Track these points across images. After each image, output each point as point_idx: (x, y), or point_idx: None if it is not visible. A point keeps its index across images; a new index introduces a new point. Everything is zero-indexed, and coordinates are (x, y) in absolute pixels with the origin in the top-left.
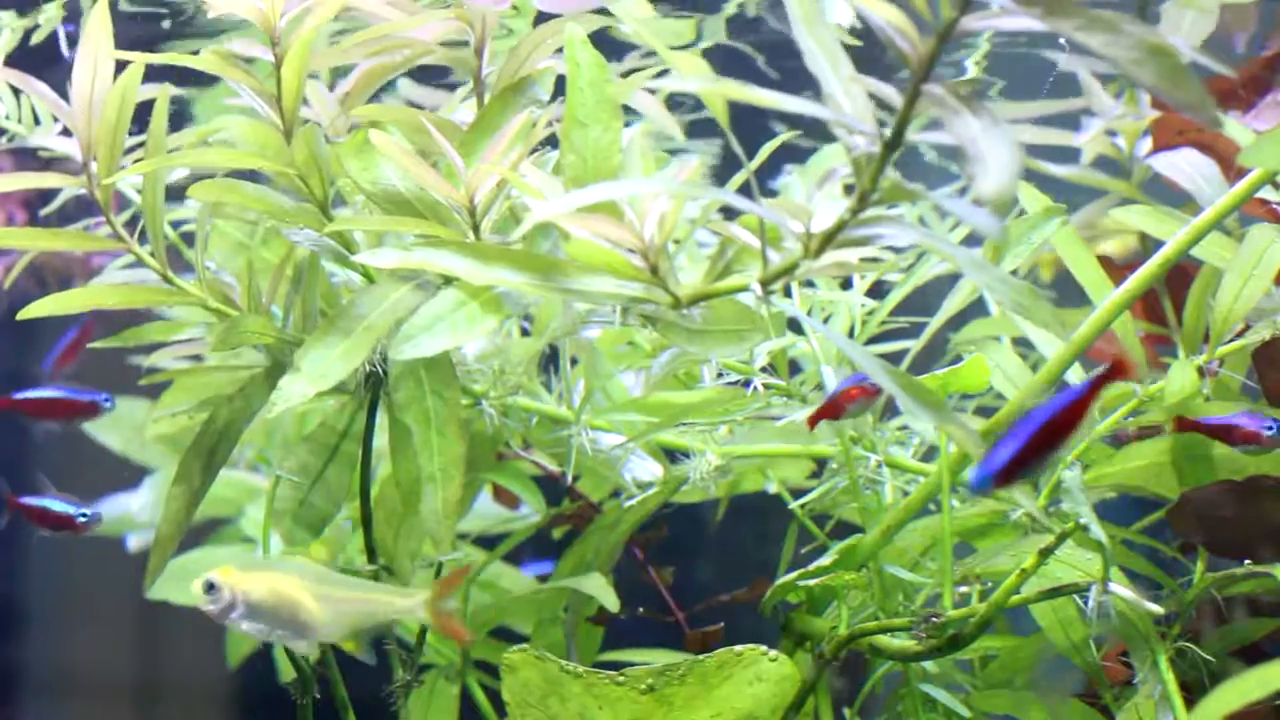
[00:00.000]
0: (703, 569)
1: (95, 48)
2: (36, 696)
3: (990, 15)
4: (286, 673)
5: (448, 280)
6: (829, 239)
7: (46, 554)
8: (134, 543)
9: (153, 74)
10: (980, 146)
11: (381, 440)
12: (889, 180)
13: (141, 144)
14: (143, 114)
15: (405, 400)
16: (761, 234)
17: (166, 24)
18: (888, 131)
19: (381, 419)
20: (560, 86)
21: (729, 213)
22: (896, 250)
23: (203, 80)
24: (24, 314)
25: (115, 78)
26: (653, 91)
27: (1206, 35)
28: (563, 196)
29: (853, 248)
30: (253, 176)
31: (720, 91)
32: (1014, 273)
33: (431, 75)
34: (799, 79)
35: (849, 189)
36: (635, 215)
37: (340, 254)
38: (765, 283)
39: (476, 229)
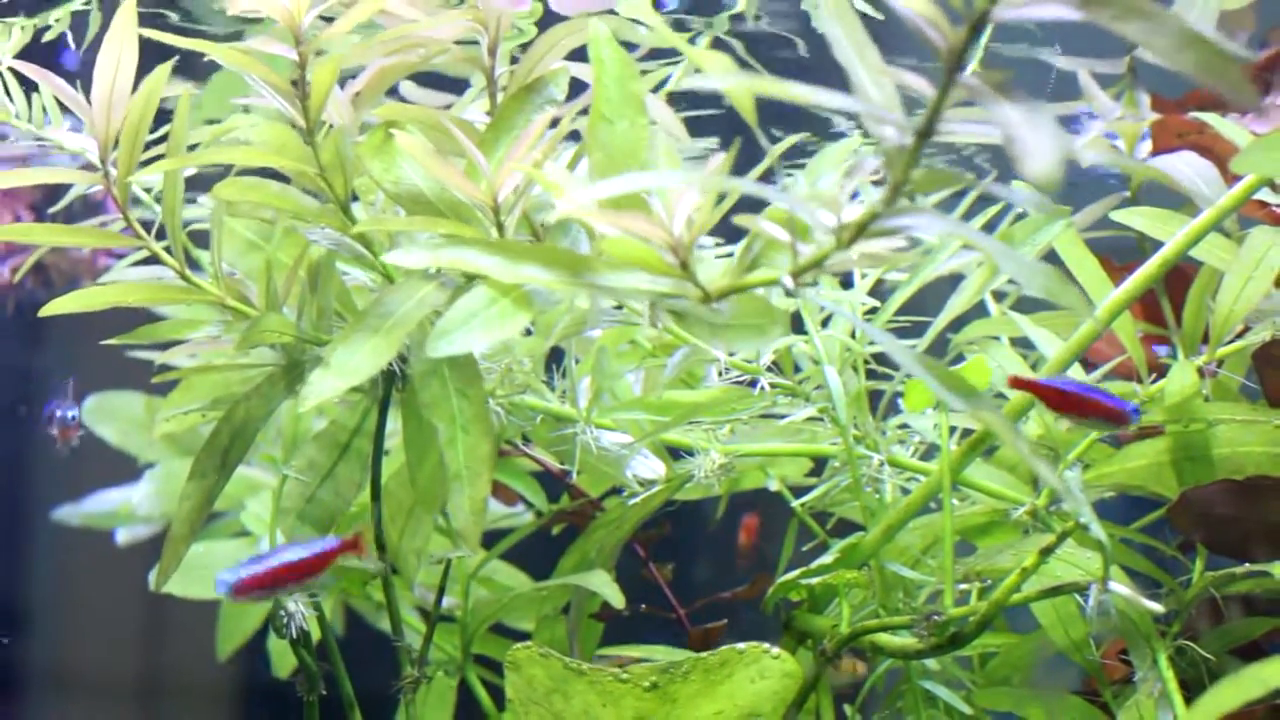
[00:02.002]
0: (701, 566)
1: (119, 45)
2: (37, 695)
3: (1024, 4)
4: (280, 667)
5: (470, 277)
6: (860, 230)
7: (46, 552)
8: (123, 536)
9: (150, 65)
10: (1022, 131)
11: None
12: (922, 171)
13: (152, 141)
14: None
15: (431, 400)
16: (791, 226)
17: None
18: (906, 122)
19: (392, 416)
20: (572, 85)
21: (747, 209)
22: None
23: (199, 72)
24: (45, 311)
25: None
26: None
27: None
28: (591, 186)
29: (883, 238)
30: (264, 174)
31: (751, 88)
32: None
33: (425, 76)
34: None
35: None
36: (664, 211)
37: (360, 254)
38: (796, 275)
39: (500, 227)
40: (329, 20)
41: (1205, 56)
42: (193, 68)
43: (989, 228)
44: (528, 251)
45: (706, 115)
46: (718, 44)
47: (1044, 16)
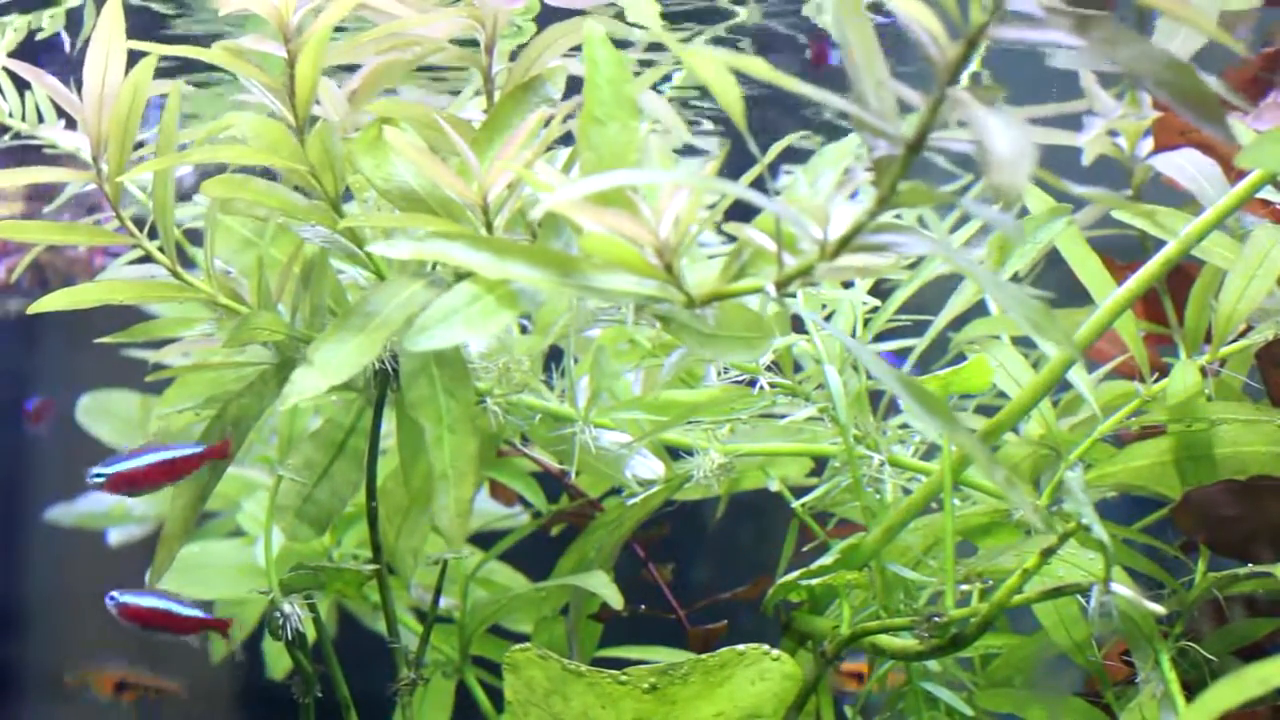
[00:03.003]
0: (700, 567)
1: (107, 41)
2: (32, 696)
3: (1020, 25)
4: (275, 669)
5: (459, 277)
6: (845, 242)
7: (46, 553)
8: (114, 536)
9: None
10: (996, 145)
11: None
12: (909, 184)
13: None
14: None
15: (418, 399)
16: (778, 235)
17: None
18: (899, 133)
19: (387, 416)
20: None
21: (737, 215)
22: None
23: (196, 69)
24: (35, 308)
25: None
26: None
27: (1205, 38)
28: (577, 182)
29: (868, 251)
30: (260, 172)
31: (748, 66)
32: (1014, 276)
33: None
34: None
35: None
36: (651, 212)
37: (351, 251)
38: (781, 284)
39: (490, 226)
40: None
41: (1186, 88)
42: (188, 61)
43: (989, 226)
44: (515, 249)
45: (711, 119)
46: (718, 43)
47: (1041, 40)
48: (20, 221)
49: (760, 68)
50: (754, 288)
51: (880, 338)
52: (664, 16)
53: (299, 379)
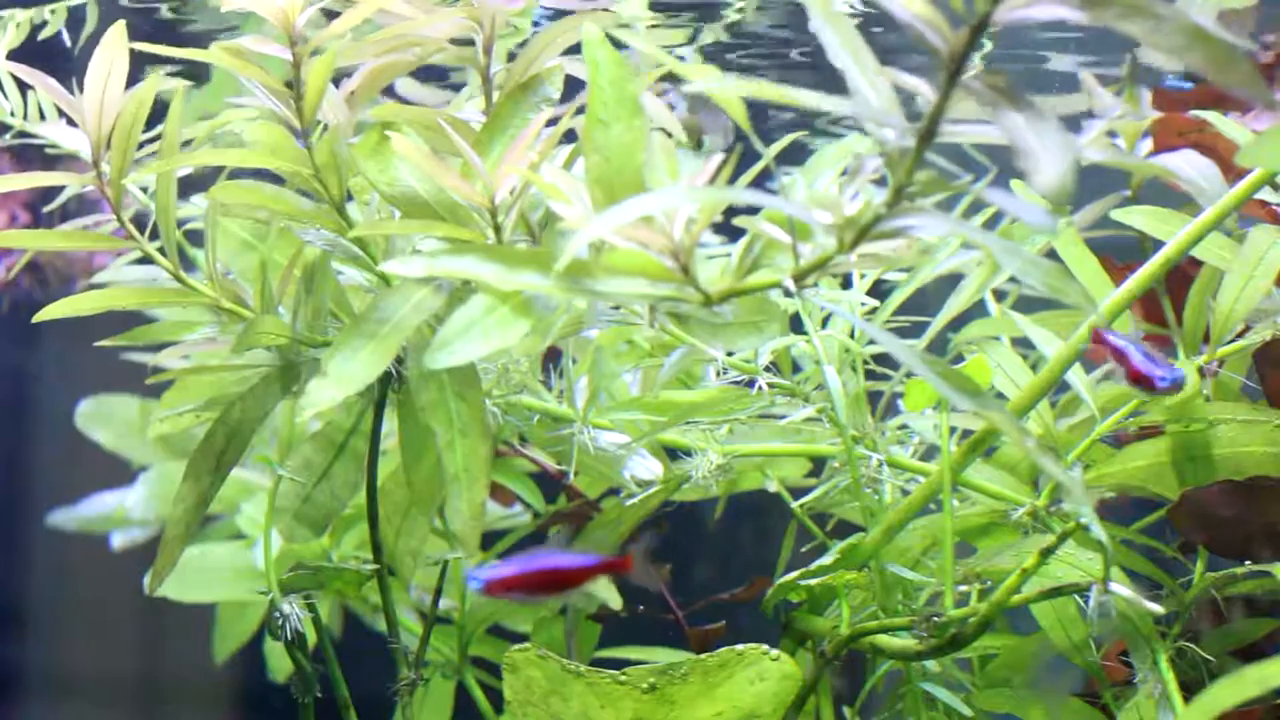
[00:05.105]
0: (699, 567)
1: (111, 48)
2: (34, 697)
3: (1026, 6)
4: (276, 670)
5: (467, 280)
6: (864, 231)
7: (46, 553)
8: (118, 540)
9: (144, 64)
10: (1029, 139)
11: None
12: (924, 174)
13: (149, 140)
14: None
15: (429, 403)
16: (792, 229)
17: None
18: (906, 124)
19: (387, 416)
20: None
21: (736, 213)
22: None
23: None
24: (39, 317)
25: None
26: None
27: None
28: (605, 214)
29: (886, 240)
30: (259, 173)
31: (743, 88)
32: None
33: (426, 74)
34: (798, 83)
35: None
36: (664, 216)
37: (357, 255)
38: (798, 277)
39: (498, 230)
40: (330, 16)
41: (1214, 53)
42: (186, 61)
43: (990, 224)
44: (526, 258)
45: None
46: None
47: (1046, 17)
48: (19, 231)
49: (758, 87)
50: (771, 282)
51: None
52: (662, 9)
53: (314, 390)
